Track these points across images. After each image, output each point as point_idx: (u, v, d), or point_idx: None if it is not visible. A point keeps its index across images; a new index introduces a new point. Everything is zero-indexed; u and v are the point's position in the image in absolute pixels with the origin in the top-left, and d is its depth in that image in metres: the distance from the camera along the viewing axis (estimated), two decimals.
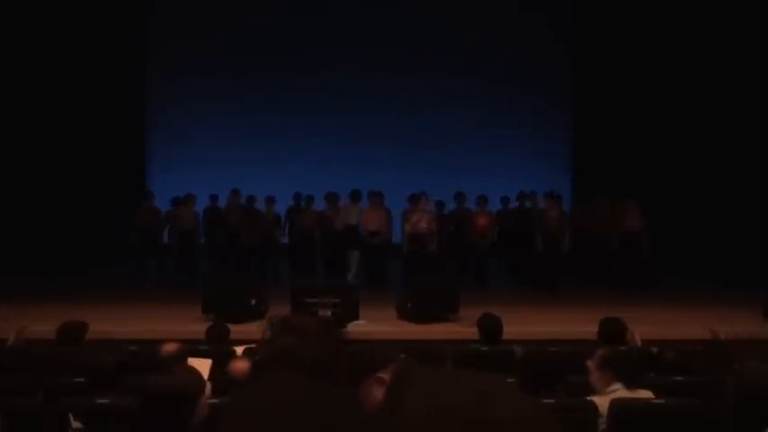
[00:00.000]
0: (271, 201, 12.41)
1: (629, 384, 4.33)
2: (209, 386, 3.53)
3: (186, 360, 4.73)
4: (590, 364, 4.42)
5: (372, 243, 11.73)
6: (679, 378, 4.94)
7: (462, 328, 8.00)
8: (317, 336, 2.48)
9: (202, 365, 4.44)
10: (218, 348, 5.80)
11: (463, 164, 14.76)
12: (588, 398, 4.33)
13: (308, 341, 2.42)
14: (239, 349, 5.71)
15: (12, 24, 12.44)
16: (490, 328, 5.98)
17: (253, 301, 8.86)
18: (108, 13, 13.94)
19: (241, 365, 4.21)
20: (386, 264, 11.88)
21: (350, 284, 10.14)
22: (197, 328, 7.17)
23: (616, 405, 4.18)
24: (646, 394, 4.36)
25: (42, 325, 6.60)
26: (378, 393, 2.31)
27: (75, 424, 3.97)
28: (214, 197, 12.78)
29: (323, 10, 15.30)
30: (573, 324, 8.28)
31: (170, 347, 5.09)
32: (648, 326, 7.61)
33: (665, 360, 5.39)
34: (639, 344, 6.20)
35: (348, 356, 2.55)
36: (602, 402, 4.22)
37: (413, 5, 15.35)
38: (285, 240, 12.70)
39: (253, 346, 5.95)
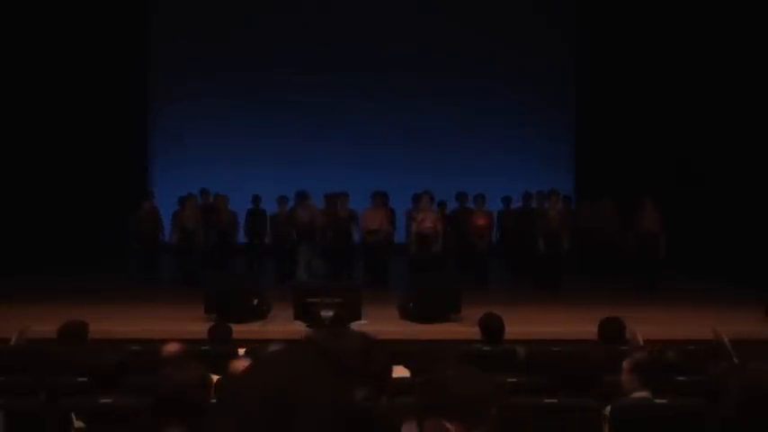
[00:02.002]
0: (283, 200, 12.39)
1: (657, 394, 4.32)
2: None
3: (189, 360, 4.73)
4: (625, 364, 4.41)
5: (372, 242, 11.71)
6: (680, 378, 4.94)
7: (464, 328, 8.00)
8: (350, 340, 2.52)
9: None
10: (220, 348, 5.80)
11: (464, 164, 14.75)
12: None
13: (339, 340, 2.47)
14: (241, 349, 5.72)
15: (13, 24, 12.44)
16: (492, 328, 5.97)
17: (255, 301, 8.87)
18: (110, 13, 13.94)
19: (242, 365, 4.20)
20: (387, 263, 11.87)
21: (352, 284, 10.14)
22: (199, 328, 7.18)
23: (617, 405, 4.18)
24: None
25: (44, 325, 6.61)
26: None
27: (78, 424, 3.97)
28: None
29: (323, 10, 15.29)
30: (574, 324, 8.27)
31: (172, 348, 5.09)
32: (651, 326, 7.61)
33: (665, 360, 5.38)
34: (642, 344, 6.20)
35: (428, 385, 2.42)
36: None
37: (413, 5, 15.34)
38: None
39: (254, 345, 5.97)
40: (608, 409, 4.16)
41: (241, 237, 12.75)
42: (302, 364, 2.46)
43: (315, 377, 2.37)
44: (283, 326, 8.28)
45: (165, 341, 5.30)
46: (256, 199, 12.76)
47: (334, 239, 11.90)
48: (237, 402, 2.43)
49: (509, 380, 4.87)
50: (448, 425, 2.06)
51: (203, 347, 5.85)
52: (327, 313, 8.01)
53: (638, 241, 11.66)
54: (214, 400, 3.49)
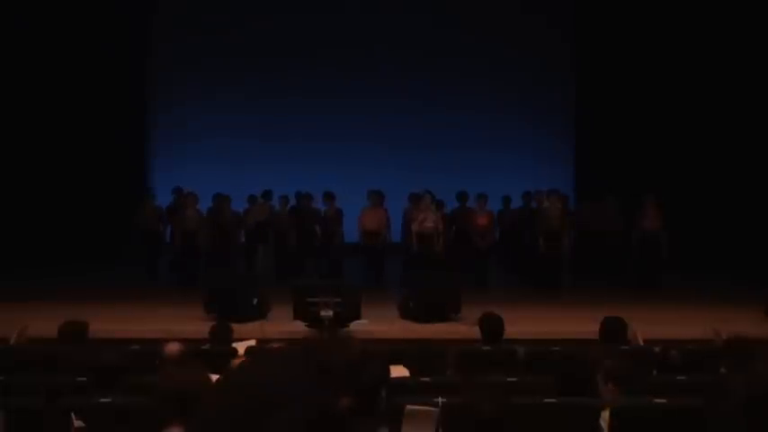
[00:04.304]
0: (284, 200, 12.41)
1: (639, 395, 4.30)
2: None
3: (189, 359, 4.74)
4: (599, 378, 4.36)
5: (371, 243, 11.72)
6: (682, 377, 4.93)
7: (464, 328, 8.00)
8: (347, 351, 2.57)
9: None
10: (220, 347, 5.80)
11: (464, 163, 14.74)
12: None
13: (336, 348, 2.54)
14: (241, 348, 5.72)
15: (13, 24, 12.44)
16: (492, 328, 5.96)
17: (254, 301, 8.87)
18: (110, 13, 13.93)
19: None
20: (384, 263, 11.87)
21: (351, 284, 10.14)
22: (199, 327, 7.17)
23: (617, 405, 4.17)
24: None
25: (44, 324, 6.61)
26: None
27: (77, 423, 3.97)
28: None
29: (323, 10, 15.28)
30: (574, 324, 8.26)
31: (172, 347, 5.08)
32: (651, 326, 7.59)
33: (668, 359, 5.38)
34: (642, 343, 6.20)
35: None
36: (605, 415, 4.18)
37: (413, 4, 15.33)
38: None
39: (254, 344, 5.97)
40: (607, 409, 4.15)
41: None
42: (290, 366, 2.50)
43: (296, 380, 2.41)
44: (283, 325, 8.27)
45: (165, 341, 5.29)
46: (253, 199, 12.77)
47: (323, 239, 11.98)
48: (220, 401, 2.47)
49: (509, 380, 4.87)
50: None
51: (203, 347, 5.85)
52: (327, 313, 8.01)
53: (639, 240, 11.64)
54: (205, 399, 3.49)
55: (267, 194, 12.62)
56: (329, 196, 12.16)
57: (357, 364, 2.48)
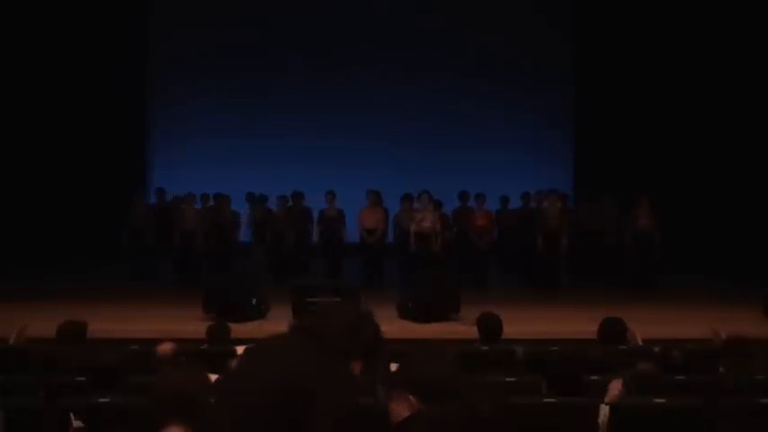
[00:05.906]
0: (283, 200, 12.43)
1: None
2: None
3: (186, 359, 4.74)
4: (627, 380, 4.36)
5: (369, 242, 11.72)
6: (682, 377, 4.93)
7: (463, 328, 8.00)
8: (336, 319, 2.58)
9: None
10: (219, 348, 5.80)
11: (464, 163, 14.73)
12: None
13: (325, 321, 2.51)
14: (240, 348, 5.71)
15: (13, 23, 12.45)
16: (490, 328, 5.95)
17: (253, 301, 8.87)
18: (109, 12, 13.93)
19: None
20: (383, 263, 11.87)
21: (351, 284, 10.14)
22: (198, 327, 7.17)
23: (618, 406, 4.17)
24: None
25: (43, 324, 6.60)
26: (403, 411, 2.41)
27: (76, 423, 3.97)
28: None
29: (322, 9, 15.29)
30: (573, 324, 8.27)
31: (165, 348, 5.07)
32: (650, 325, 7.59)
33: (669, 359, 5.38)
34: (640, 343, 6.20)
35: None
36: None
37: (413, 5, 15.34)
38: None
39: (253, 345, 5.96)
40: (606, 409, 4.15)
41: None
42: (301, 354, 2.49)
43: (322, 368, 2.40)
44: (283, 325, 8.23)
45: (162, 341, 5.29)
46: (251, 197, 12.82)
47: (321, 238, 12.00)
48: (237, 400, 2.44)
49: (507, 379, 4.87)
50: (411, 397, 2.39)
51: (202, 347, 5.85)
52: None
53: (632, 240, 11.65)
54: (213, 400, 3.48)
55: (254, 196, 12.61)
56: (331, 196, 12.16)
57: (351, 328, 2.49)
